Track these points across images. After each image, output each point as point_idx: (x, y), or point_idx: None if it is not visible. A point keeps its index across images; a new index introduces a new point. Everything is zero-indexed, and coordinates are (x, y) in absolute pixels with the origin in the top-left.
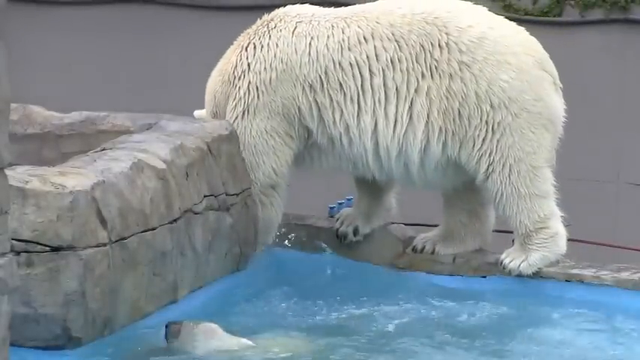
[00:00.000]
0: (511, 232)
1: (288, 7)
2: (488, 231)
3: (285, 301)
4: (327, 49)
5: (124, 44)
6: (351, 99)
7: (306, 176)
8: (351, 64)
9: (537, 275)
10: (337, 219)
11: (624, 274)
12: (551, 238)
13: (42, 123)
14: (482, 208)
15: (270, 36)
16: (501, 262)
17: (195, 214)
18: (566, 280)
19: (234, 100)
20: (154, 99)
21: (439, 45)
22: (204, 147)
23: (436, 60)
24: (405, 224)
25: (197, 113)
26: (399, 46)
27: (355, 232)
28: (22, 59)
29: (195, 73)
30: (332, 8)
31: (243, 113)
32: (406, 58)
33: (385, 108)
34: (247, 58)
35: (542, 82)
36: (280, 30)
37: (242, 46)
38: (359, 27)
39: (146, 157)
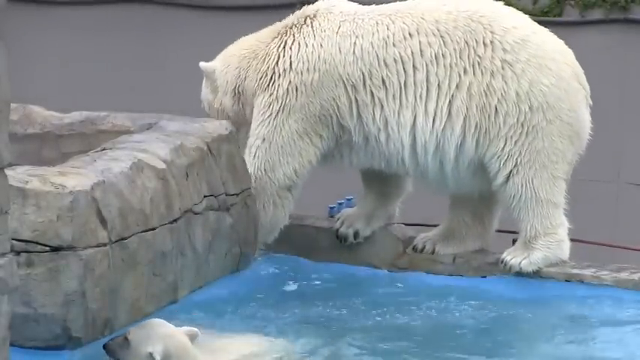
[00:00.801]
0: (511, 232)
1: (328, 2)
2: (489, 235)
3: (281, 303)
4: (372, 46)
5: (123, 44)
6: (393, 95)
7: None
8: (395, 60)
9: (537, 275)
10: (337, 219)
11: (624, 274)
12: (556, 243)
13: (42, 123)
14: (488, 212)
15: (314, 36)
16: (502, 260)
17: (195, 214)
18: (566, 280)
19: (271, 96)
20: (153, 98)
21: (483, 42)
22: (204, 147)
23: (479, 56)
24: (405, 224)
25: (204, 65)
26: (443, 41)
27: (356, 235)
28: (21, 59)
29: (194, 72)
30: (372, 6)
31: (278, 112)
32: (450, 54)
33: (426, 103)
34: (290, 57)
35: (577, 94)
36: (324, 30)
37: (285, 42)
38: (404, 23)
39: (146, 157)
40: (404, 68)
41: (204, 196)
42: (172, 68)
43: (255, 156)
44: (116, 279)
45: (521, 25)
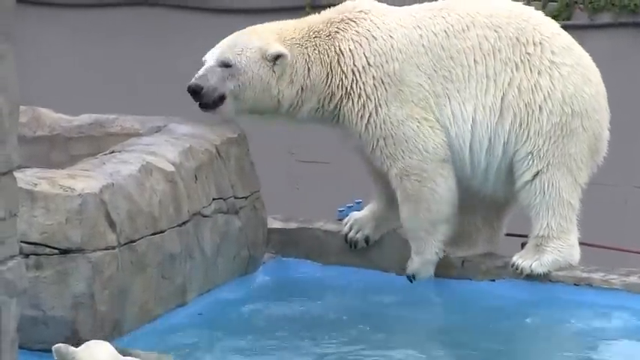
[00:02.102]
0: (519, 236)
1: (355, 2)
2: (498, 239)
3: (288, 308)
4: (437, 37)
5: (132, 46)
6: (458, 89)
7: (314, 178)
8: (457, 51)
9: (546, 279)
10: (346, 224)
11: (633, 278)
12: (567, 247)
13: (51, 125)
14: (497, 216)
15: (379, 28)
16: (513, 264)
17: (204, 217)
18: (575, 284)
19: (361, 98)
20: (162, 100)
21: (533, 42)
22: (212, 150)
23: (529, 54)
24: None
25: (278, 48)
26: (498, 36)
27: (367, 240)
28: (30, 62)
29: None
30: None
31: (376, 108)
32: (505, 49)
33: (484, 97)
34: (364, 53)
35: (605, 113)
36: (386, 23)
37: (348, 38)
38: (459, 15)
39: (155, 159)
40: (466, 60)
41: (213, 199)
42: (181, 70)
43: (394, 158)
44: (125, 282)
45: (563, 33)
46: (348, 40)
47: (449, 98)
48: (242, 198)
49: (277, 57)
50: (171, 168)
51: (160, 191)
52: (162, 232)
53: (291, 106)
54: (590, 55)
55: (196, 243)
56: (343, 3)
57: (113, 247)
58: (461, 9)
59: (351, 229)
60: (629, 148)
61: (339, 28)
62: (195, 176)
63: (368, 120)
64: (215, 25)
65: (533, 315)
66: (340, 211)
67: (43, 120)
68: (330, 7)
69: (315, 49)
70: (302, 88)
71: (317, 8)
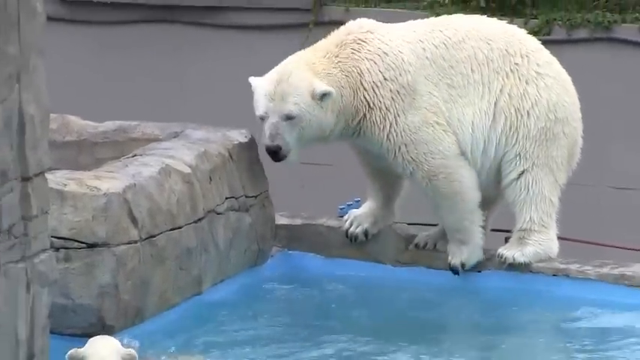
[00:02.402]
0: (503, 231)
1: (357, 22)
2: (484, 235)
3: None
4: (437, 48)
5: (153, 59)
6: (459, 94)
7: (317, 179)
8: (457, 61)
9: (527, 269)
10: (346, 220)
11: (605, 269)
12: (547, 241)
13: (78, 131)
14: (484, 214)
15: (387, 45)
16: (499, 254)
17: (218, 214)
18: (554, 275)
19: (381, 110)
20: (178, 110)
21: (520, 54)
22: (225, 153)
23: (517, 64)
24: (408, 224)
25: (328, 89)
26: (490, 47)
27: (366, 234)
28: (60, 73)
29: (216, 87)
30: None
31: (395, 118)
32: (496, 59)
33: (480, 102)
34: (379, 69)
35: (579, 123)
36: (393, 40)
37: (364, 58)
38: (454, 29)
39: (173, 162)
40: (465, 69)
41: (226, 198)
42: (197, 82)
43: (417, 162)
44: (146, 273)
45: (544, 49)
46: (364, 60)
47: (453, 103)
48: (252, 197)
49: (324, 95)
50: (187, 170)
51: (178, 191)
52: (179, 228)
53: (331, 131)
54: (568, 67)
55: (211, 238)
56: (346, 25)
57: (135, 242)
58: (455, 24)
59: (351, 224)
60: (602, 152)
61: (353, 49)
62: (210, 177)
63: (389, 130)
64: (227, 40)
65: (515, 302)
66: (341, 208)
67: (72, 126)
68: (332, 23)
69: (342, 73)
70: (338, 112)
71: (321, 25)
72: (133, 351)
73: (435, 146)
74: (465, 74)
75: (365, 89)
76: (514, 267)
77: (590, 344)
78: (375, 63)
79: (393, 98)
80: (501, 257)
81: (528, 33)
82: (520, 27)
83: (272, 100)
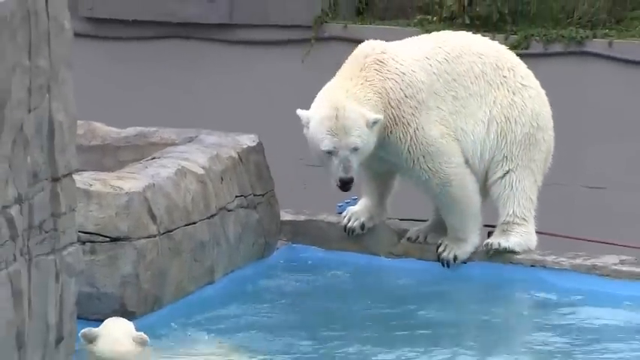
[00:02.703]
0: (488, 226)
1: (368, 44)
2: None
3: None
4: (441, 64)
5: (169, 72)
6: (462, 105)
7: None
8: (457, 74)
9: (508, 261)
10: (344, 216)
11: (578, 260)
12: (527, 233)
13: (103, 136)
14: None
15: (402, 65)
16: (486, 244)
17: (229, 211)
18: (532, 265)
19: (403, 124)
20: (193, 117)
21: (507, 68)
22: (235, 156)
23: (505, 77)
24: (400, 219)
25: (379, 117)
26: (482, 61)
27: (362, 227)
28: (86, 84)
29: (226, 96)
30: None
31: (415, 132)
32: (489, 72)
33: (478, 112)
34: (400, 87)
35: (552, 132)
36: (405, 60)
37: (386, 78)
38: (450, 45)
39: (188, 164)
40: (465, 82)
41: (236, 196)
42: (209, 91)
43: (433, 171)
44: (164, 264)
45: (522, 63)
46: (387, 79)
47: (457, 114)
48: (259, 195)
49: (375, 122)
50: (201, 171)
51: (193, 190)
52: (194, 223)
53: (374, 146)
54: (545, 78)
55: (222, 232)
56: (359, 48)
57: (154, 236)
58: (450, 40)
59: (349, 220)
60: (576, 155)
61: (376, 70)
62: (221, 178)
63: (409, 142)
64: (236, 54)
65: (498, 288)
66: (339, 206)
67: (97, 132)
68: (330, 39)
69: (376, 96)
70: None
71: (320, 41)
72: (144, 335)
73: (449, 157)
74: (466, 86)
75: (392, 107)
76: (499, 253)
77: (564, 325)
78: (396, 82)
79: (412, 114)
80: (488, 245)
81: (509, 48)
82: (501, 42)
83: (336, 136)
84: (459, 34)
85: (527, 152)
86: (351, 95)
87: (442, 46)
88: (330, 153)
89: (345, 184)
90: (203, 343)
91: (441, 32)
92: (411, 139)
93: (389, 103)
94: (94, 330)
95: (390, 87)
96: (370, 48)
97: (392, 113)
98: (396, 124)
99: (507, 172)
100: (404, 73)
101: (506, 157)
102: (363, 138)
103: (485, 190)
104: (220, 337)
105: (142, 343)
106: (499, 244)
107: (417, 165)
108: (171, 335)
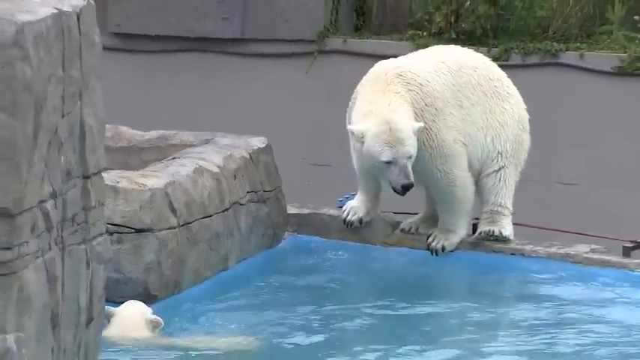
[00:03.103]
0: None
1: (382, 64)
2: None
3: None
4: (447, 76)
5: (187, 82)
6: (467, 113)
7: (320, 177)
8: (461, 85)
9: (490, 250)
10: (344, 210)
11: (553, 249)
12: (510, 224)
13: (128, 139)
14: None
15: (418, 75)
16: (489, 231)
17: (241, 205)
18: (512, 254)
19: (427, 130)
20: (209, 122)
21: (496, 78)
22: (247, 156)
23: (496, 86)
24: (394, 212)
25: (353, 128)
26: (477, 73)
27: (360, 221)
28: (113, 92)
29: (239, 103)
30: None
31: (435, 137)
32: (483, 83)
33: (479, 120)
34: (421, 97)
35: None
36: (420, 74)
37: (409, 89)
38: (450, 59)
39: (205, 163)
40: (467, 92)
41: (247, 192)
42: (224, 99)
43: (445, 172)
44: (183, 253)
45: (504, 73)
46: (409, 90)
47: (463, 122)
48: (268, 191)
49: (419, 129)
50: (216, 170)
51: (209, 186)
52: (210, 216)
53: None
54: (523, 86)
55: (235, 224)
56: (376, 68)
57: (174, 228)
58: (448, 55)
59: (348, 214)
60: (551, 155)
61: (399, 83)
62: (234, 175)
63: (430, 145)
64: (248, 66)
65: (481, 274)
66: (340, 200)
67: (123, 135)
68: (332, 52)
69: (408, 105)
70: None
71: (323, 54)
72: (159, 318)
73: (459, 160)
74: (468, 97)
75: (416, 115)
76: (497, 240)
77: (539, 306)
78: (417, 92)
79: (433, 120)
80: (490, 232)
81: (491, 59)
82: (484, 54)
83: (394, 147)
84: (451, 49)
85: (516, 151)
86: (392, 108)
87: (444, 61)
88: (389, 163)
89: (406, 189)
90: (215, 330)
91: (435, 47)
92: (431, 143)
93: (414, 111)
94: (112, 309)
95: (413, 97)
96: (386, 66)
97: (416, 120)
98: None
99: (501, 167)
100: (422, 84)
101: (501, 153)
102: (415, 145)
103: (477, 183)
104: (232, 317)
105: (156, 325)
106: (500, 233)
107: (434, 166)
108: (187, 320)
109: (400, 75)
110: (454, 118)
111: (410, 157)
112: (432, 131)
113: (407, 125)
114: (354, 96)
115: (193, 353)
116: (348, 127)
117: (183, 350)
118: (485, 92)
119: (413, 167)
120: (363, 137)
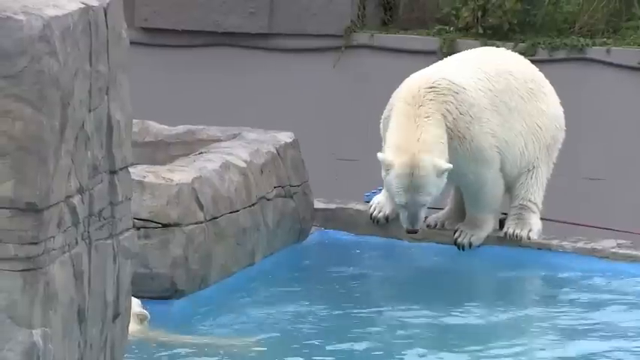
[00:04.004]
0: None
1: (412, 79)
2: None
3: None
4: (483, 82)
5: (214, 76)
6: (505, 119)
7: (348, 172)
8: (499, 91)
9: (516, 245)
10: (371, 205)
11: (580, 244)
12: (539, 222)
13: (155, 134)
14: None
15: (453, 82)
16: (515, 235)
17: (268, 200)
18: (538, 249)
19: (460, 136)
20: (236, 117)
21: (530, 79)
22: (274, 151)
23: (531, 89)
24: None
25: (383, 158)
26: (514, 77)
27: (387, 219)
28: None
29: (266, 98)
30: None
31: (470, 143)
32: (520, 87)
33: (516, 124)
34: (456, 106)
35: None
36: (453, 79)
37: (442, 101)
38: (488, 65)
39: (232, 158)
40: (504, 98)
41: (274, 187)
42: (251, 93)
43: (477, 173)
44: (210, 247)
45: (535, 67)
46: (442, 102)
47: (502, 127)
48: (295, 186)
49: (445, 170)
50: (243, 164)
51: (236, 181)
52: (237, 211)
53: None
54: (549, 82)
55: (262, 219)
56: (410, 79)
57: (201, 222)
58: (485, 60)
59: (374, 210)
60: (578, 150)
61: (430, 100)
62: (261, 170)
63: (464, 152)
64: (275, 61)
65: (509, 269)
66: (367, 195)
67: (150, 129)
68: (359, 46)
69: (440, 129)
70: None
71: (350, 49)
72: (145, 312)
73: (491, 164)
74: (506, 102)
75: (449, 122)
76: (522, 244)
77: (567, 299)
78: (451, 102)
79: (467, 127)
80: (517, 237)
81: (517, 54)
82: (510, 49)
83: (410, 192)
84: (487, 52)
85: (550, 151)
86: (422, 143)
87: (480, 67)
88: (402, 205)
89: (411, 233)
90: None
91: (471, 52)
92: (465, 150)
93: (448, 122)
94: None
95: (446, 108)
96: (418, 80)
97: (449, 128)
98: (452, 138)
99: (534, 166)
100: (457, 92)
101: (538, 157)
102: (434, 192)
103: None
104: (258, 310)
105: (143, 319)
106: (529, 238)
107: (467, 169)
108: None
109: (432, 87)
110: (491, 124)
111: (424, 205)
112: (466, 139)
113: (430, 170)
114: (389, 107)
115: (182, 350)
116: (378, 155)
117: (170, 347)
118: (522, 96)
119: (451, 167)
120: (388, 170)
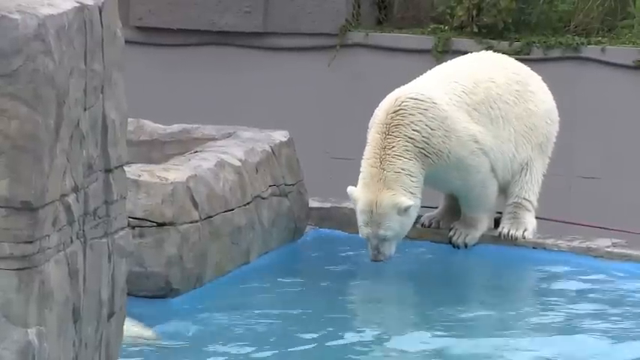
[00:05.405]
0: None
1: (383, 104)
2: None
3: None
4: (460, 97)
5: (209, 75)
6: (487, 129)
7: (342, 170)
8: (488, 97)
9: (512, 244)
10: None
11: (575, 243)
12: (534, 221)
13: (150, 132)
14: None
15: (421, 100)
16: (509, 235)
17: (263, 199)
18: (534, 247)
19: (436, 153)
20: (231, 115)
21: (515, 81)
22: (269, 150)
23: (517, 91)
24: None
25: (351, 192)
26: (496, 84)
27: None
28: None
29: (260, 97)
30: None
31: (448, 156)
32: (503, 93)
33: (503, 132)
34: (425, 124)
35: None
36: (422, 95)
37: (409, 122)
38: (476, 72)
39: (227, 157)
40: (484, 109)
41: (269, 186)
42: (245, 92)
43: (466, 180)
44: (205, 246)
45: (519, 63)
46: (409, 124)
47: (485, 136)
48: (290, 185)
49: (409, 208)
50: (238, 163)
51: (231, 180)
52: (232, 210)
53: None
54: (544, 80)
55: (257, 218)
56: (386, 100)
57: (196, 221)
58: (462, 72)
59: None
60: (573, 148)
61: (395, 126)
62: (256, 169)
63: (443, 164)
64: (269, 60)
65: (504, 268)
66: None
67: (145, 128)
68: (354, 45)
69: (407, 156)
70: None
71: (345, 47)
72: None
73: (478, 169)
74: (486, 114)
75: (420, 144)
76: (518, 243)
77: (562, 298)
78: (420, 120)
79: (442, 142)
80: (512, 237)
81: (512, 53)
82: (505, 48)
83: (370, 227)
84: (468, 61)
85: (546, 147)
86: (384, 178)
87: (458, 80)
88: (366, 238)
89: (375, 262)
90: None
91: (450, 63)
92: (444, 163)
93: (418, 142)
94: None
95: (413, 130)
96: (388, 104)
97: (421, 149)
98: (427, 155)
99: (529, 165)
100: (425, 109)
101: (531, 156)
102: (395, 228)
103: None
104: (255, 309)
105: None
106: (524, 238)
107: (451, 177)
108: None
109: (399, 110)
110: (471, 131)
111: (385, 239)
112: (443, 152)
113: (390, 207)
114: (373, 118)
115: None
116: (348, 189)
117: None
118: (507, 101)
119: (433, 177)
120: (355, 203)
